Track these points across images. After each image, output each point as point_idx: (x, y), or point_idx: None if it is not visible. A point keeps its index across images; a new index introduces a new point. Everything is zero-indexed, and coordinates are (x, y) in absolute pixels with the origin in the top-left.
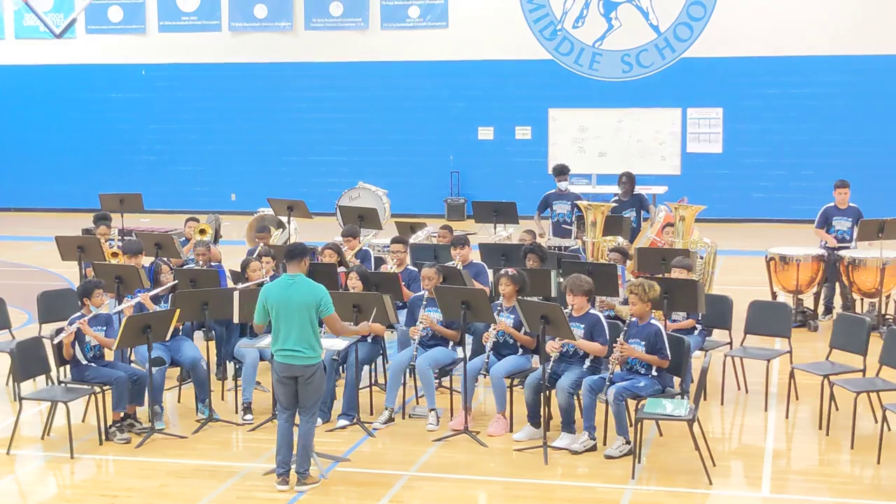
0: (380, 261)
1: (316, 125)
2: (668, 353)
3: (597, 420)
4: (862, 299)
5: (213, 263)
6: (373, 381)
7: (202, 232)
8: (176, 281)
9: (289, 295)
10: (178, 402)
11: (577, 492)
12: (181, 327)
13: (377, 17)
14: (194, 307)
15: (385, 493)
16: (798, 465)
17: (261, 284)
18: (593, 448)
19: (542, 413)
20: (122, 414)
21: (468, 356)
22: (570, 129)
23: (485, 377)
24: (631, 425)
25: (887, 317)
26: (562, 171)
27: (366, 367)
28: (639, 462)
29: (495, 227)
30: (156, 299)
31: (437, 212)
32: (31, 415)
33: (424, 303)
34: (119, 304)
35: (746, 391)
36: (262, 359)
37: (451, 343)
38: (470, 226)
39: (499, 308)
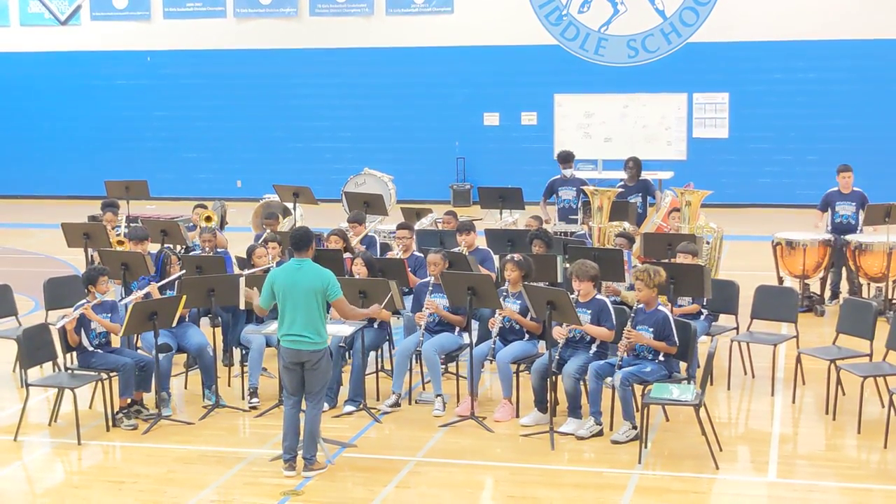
0: (385, 247)
1: (321, 111)
2: (676, 338)
3: (603, 405)
4: (868, 284)
5: (219, 250)
6: (379, 366)
7: (208, 219)
8: (184, 271)
9: (296, 279)
10: (185, 388)
11: (583, 477)
12: (187, 314)
13: (382, 3)
14: (200, 293)
15: (391, 479)
16: (804, 450)
17: (267, 270)
18: (600, 433)
19: (548, 398)
20: (128, 400)
21: (474, 342)
22: (576, 115)
23: (491, 363)
24: (637, 410)
25: (894, 301)
26: (567, 158)
27: (372, 353)
28: (645, 447)
29: (501, 213)
30: (162, 288)
31: (443, 198)
32: (38, 401)
33: (430, 289)
34: (124, 290)
35: (753, 376)
36: (268, 345)
37: (457, 329)
38: (476, 212)
39: (505, 294)
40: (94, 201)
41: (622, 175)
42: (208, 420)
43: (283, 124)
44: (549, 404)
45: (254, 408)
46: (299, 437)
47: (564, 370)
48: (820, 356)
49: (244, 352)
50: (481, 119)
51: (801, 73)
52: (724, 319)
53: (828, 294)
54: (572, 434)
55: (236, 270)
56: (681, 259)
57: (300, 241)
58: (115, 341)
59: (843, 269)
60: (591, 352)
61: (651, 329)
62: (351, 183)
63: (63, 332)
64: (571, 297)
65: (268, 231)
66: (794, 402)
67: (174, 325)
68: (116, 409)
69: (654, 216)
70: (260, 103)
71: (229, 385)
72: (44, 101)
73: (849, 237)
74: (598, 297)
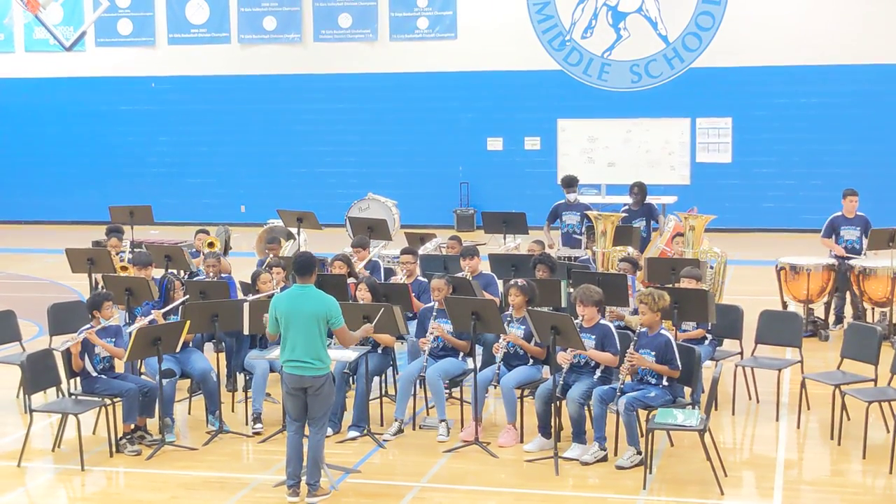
0: (389, 272)
1: (325, 136)
2: (679, 363)
3: (607, 430)
4: (873, 308)
5: (223, 275)
6: (383, 392)
7: (210, 245)
8: (187, 296)
9: (298, 305)
10: (189, 413)
11: (588, 502)
12: (191, 339)
13: (386, 29)
14: (204, 319)
15: None
16: (809, 476)
17: (271, 296)
18: (604, 459)
19: (552, 424)
20: (132, 426)
21: (478, 367)
22: (580, 140)
23: (495, 388)
24: (642, 436)
25: None
26: (571, 183)
27: (376, 379)
28: (650, 473)
29: (505, 238)
30: (166, 313)
31: (447, 223)
32: (42, 427)
33: (434, 314)
34: (129, 315)
35: (757, 401)
36: (272, 370)
37: (461, 354)
38: (479, 236)
39: (509, 319)
40: (99, 226)
41: (626, 200)
42: (212, 446)
43: (287, 149)
44: (553, 429)
45: (257, 433)
46: (303, 463)
47: (568, 395)
48: (824, 381)
49: (248, 377)
50: (485, 144)
51: (804, 97)
52: (729, 344)
53: (832, 319)
54: (577, 459)
55: (240, 296)
56: (685, 284)
57: (303, 266)
58: (119, 367)
59: (848, 294)
60: (596, 377)
61: (653, 353)
62: (355, 208)
63: (67, 355)
64: (575, 321)
65: (270, 256)
66: (798, 427)
67: (178, 350)
68: (120, 434)
69: (657, 241)
70: (264, 128)
71: (233, 410)
72: (48, 126)
73: (853, 262)
74: (602, 322)
